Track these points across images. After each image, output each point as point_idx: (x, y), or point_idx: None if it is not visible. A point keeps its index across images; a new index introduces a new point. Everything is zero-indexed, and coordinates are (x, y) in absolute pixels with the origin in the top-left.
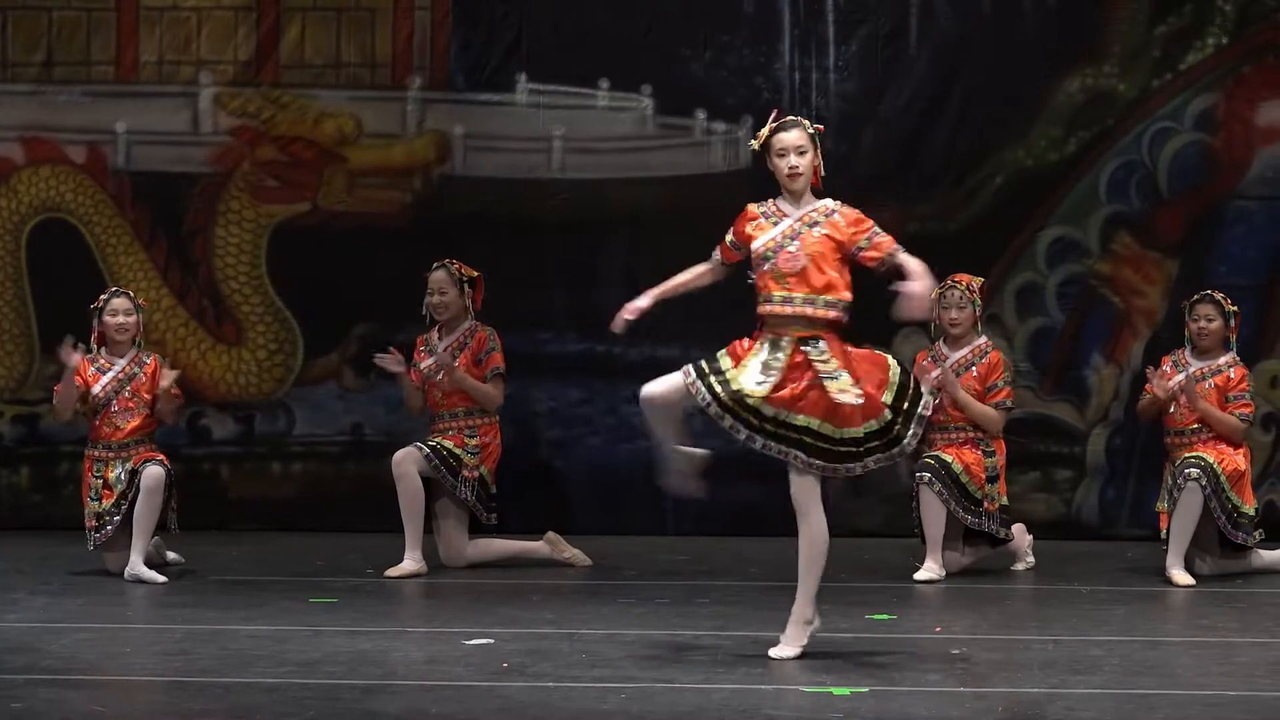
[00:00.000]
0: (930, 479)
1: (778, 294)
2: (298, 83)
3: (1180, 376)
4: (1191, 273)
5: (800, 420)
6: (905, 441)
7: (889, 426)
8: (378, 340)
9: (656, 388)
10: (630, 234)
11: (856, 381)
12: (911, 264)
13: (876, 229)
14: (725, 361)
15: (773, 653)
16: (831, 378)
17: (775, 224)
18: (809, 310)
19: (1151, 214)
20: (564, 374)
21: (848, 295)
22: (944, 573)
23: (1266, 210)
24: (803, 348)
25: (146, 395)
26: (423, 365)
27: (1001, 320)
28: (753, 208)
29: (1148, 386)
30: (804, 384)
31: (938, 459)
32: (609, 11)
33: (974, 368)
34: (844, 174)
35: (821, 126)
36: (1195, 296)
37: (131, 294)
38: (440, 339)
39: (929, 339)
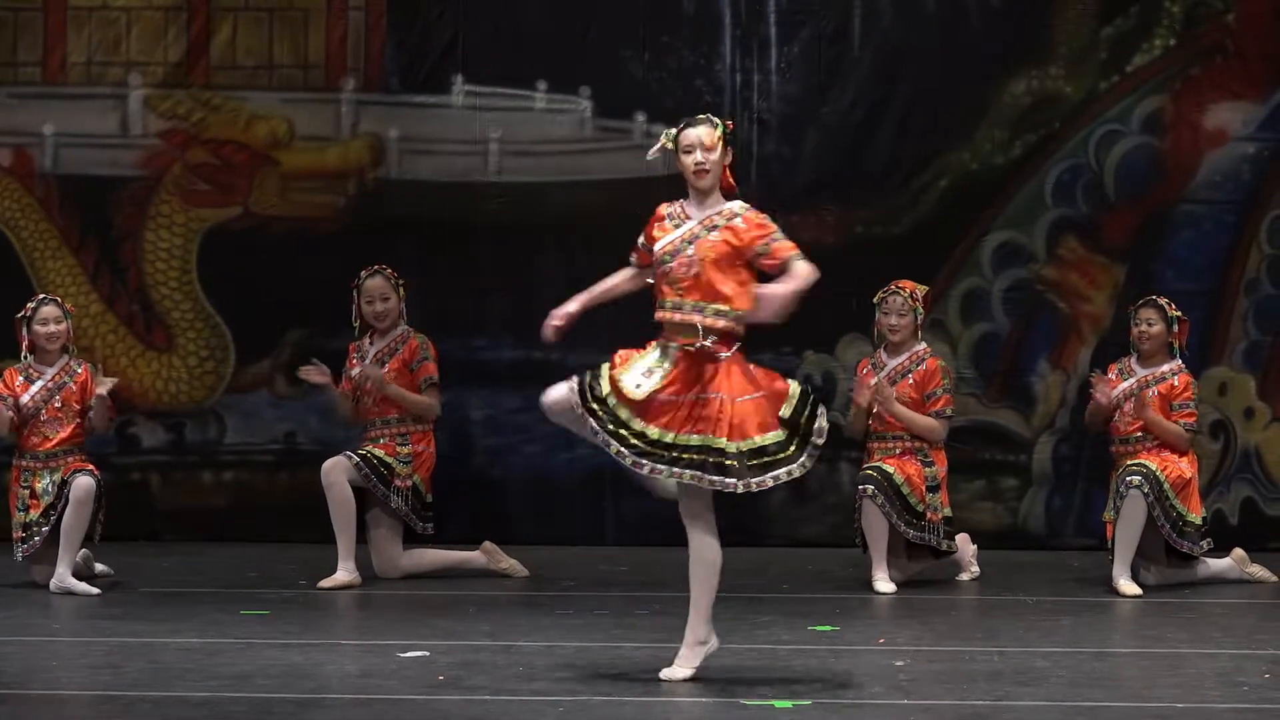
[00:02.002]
0: (874, 491)
1: (670, 300)
2: (229, 84)
3: (1125, 384)
4: (1139, 278)
5: (695, 440)
6: (796, 466)
7: (785, 443)
8: (311, 347)
9: (552, 395)
10: (568, 238)
11: (747, 394)
12: (798, 267)
13: (777, 234)
14: (604, 381)
15: (664, 674)
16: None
17: (677, 226)
18: (696, 317)
19: (1098, 218)
20: (500, 381)
21: (743, 304)
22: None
23: (1214, 214)
24: (694, 356)
25: (76, 405)
26: (353, 373)
27: (946, 326)
28: (662, 208)
29: (1093, 394)
30: (689, 398)
31: (879, 470)
32: (547, 12)
33: (910, 375)
34: (786, 177)
35: (731, 124)
36: (1140, 301)
37: (60, 301)
38: (371, 345)
39: (872, 345)
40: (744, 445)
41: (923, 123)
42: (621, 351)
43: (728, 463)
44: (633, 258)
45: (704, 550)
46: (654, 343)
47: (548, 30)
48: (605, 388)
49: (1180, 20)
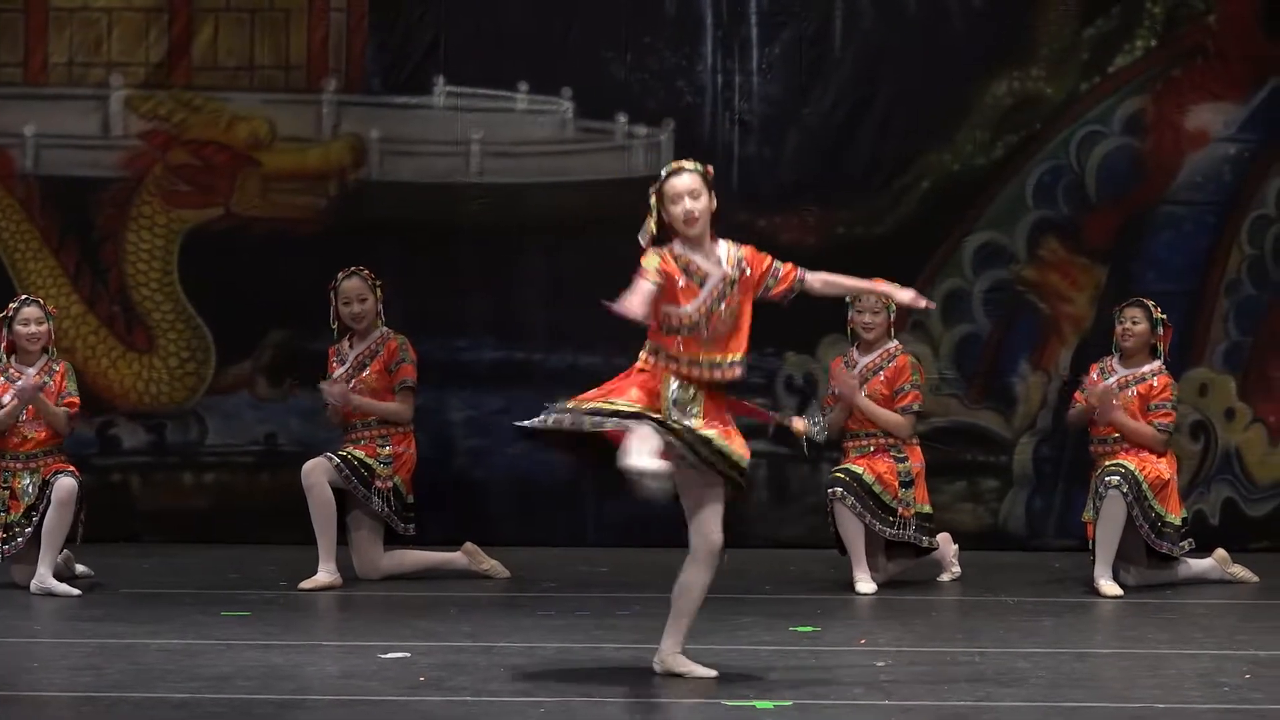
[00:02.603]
0: (843, 493)
1: (704, 359)
2: (210, 85)
3: (1105, 383)
4: (1120, 279)
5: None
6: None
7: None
8: (292, 348)
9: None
10: (550, 239)
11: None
12: (819, 275)
13: (776, 260)
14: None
15: (698, 671)
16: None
17: (701, 284)
18: (718, 374)
19: (1079, 219)
20: (482, 382)
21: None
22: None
23: (1195, 215)
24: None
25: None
26: (326, 390)
27: (927, 327)
28: (672, 261)
29: (1078, 395)
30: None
31: (848, 472)
32: (528, 13)
33: (882, 372)
34: (768, 178)
35: (711, 169)
36: (1126, 301)
37: (42, 301)
38: (351, 348)
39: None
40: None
41: (904, 124)
42: (615, 384)
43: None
44: (644, 309)
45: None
46: (660, 372)
47: (529, 31)
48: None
49: (1161, 21)
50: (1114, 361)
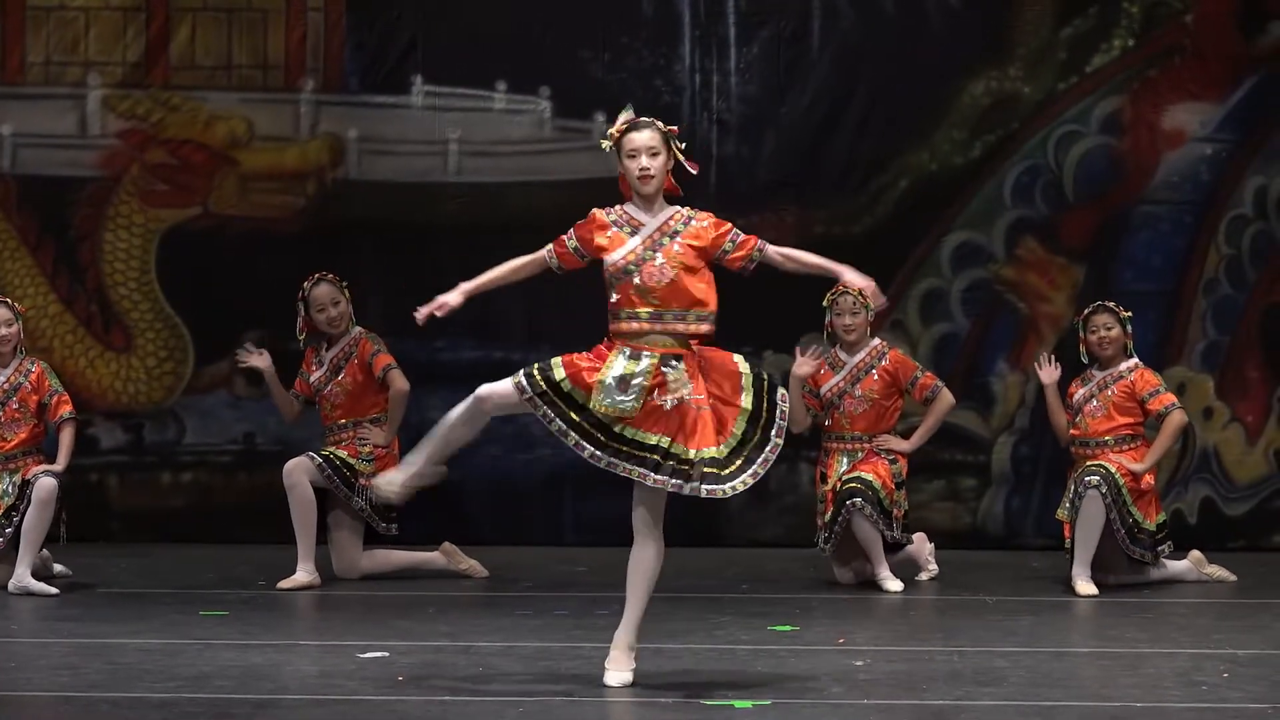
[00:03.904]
0: (861, 504)
1: (644, 310)
2: (188, 84)
3: (1084, 389)
4: (1098, 278)
5: (652, 439)
6: (770, 445)
7: (748, 436)
8: (270, 348)
9: (493, 390)
10: (528, 239)
11: (707, 396)
12: (783, 249)
13: (736, 229)
14: (559, 373)
15: (609, 680)
16: (673, 390)
17: (632, 233)
18: (679, 326)
19: (1057, 219)
20: (460, 382)
21: (714, 305)
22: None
23: (1173, 215)
24: (664, 368)
25: (33, 405)
26: (309, 380)
27: (905, 326)
28: (600, 214)
29: (1066, 414)
30: (656, 402)
31: (860, 480)
32: (506, 12)
33: (874, 370)
34: (746, 178)
35: (675, 128)
36: (1088, 309)
37: (10, 301)
38: (327, 350)
39: (828, 344)
40: (714, 450)
41: (882, 123)
42: (571, 356)
43: (682, 467)
44: (553, 257)
45: (649, 558)
46: (613, 347)
47: (507, 31)
48: (560, 374)
49: (1139, 21)
50: (1092, 370)
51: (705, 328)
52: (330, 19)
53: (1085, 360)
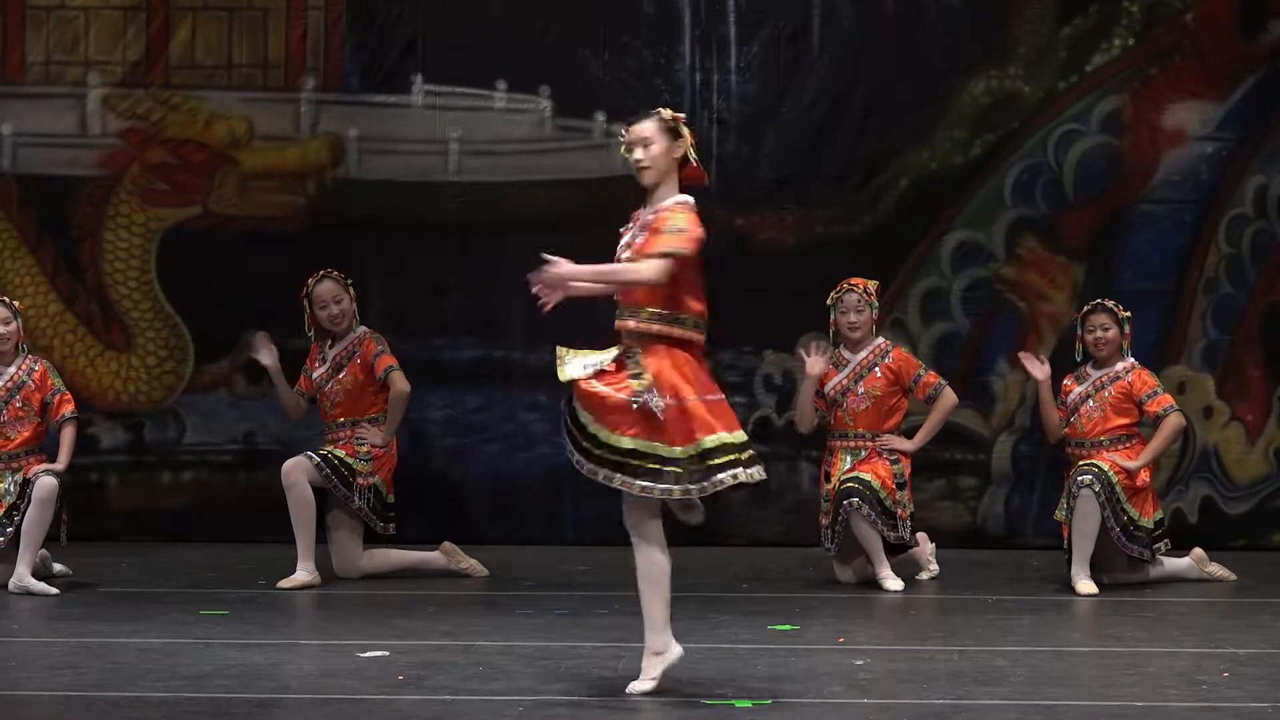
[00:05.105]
0: (859, 504)
1: (621, 307)
2: (188, 84)
3: (1080, 388)
4: (1098, 277)
5: (627, 443)
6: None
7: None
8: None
9: None
10: (528, 238)
11: (673, 390)
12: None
13: (686, 220)
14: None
15: (629, 689)
16: (635, 376)
17: (629, 230)
18: (631, 324)
19: (1057, 218)
20: (460, 380)
21: (672, 305)
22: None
23: (1172, 214)
24: (626, 358)
25: (36, 404)
26: (313, 377)
27: (906, 325)
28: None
29: (1061, 410)
30: (618, 393)
31: (859, 480)
32: (506, 11)
33: (877, 368)
34: (746, 177)
35: (682, 115)
36: (1086, 307)
37: (9, 300)
38: (330, 348)
39: (831, 344)
40: (679, 450)
41: (882, 122)
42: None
43: (668, 469)
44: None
45: (651, 561)
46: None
47: (507, 30)
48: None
49: (1139, 20)
50: (1088, 367)
51: (656, 327)
52: (330, 18)
53: (1079, 359)
